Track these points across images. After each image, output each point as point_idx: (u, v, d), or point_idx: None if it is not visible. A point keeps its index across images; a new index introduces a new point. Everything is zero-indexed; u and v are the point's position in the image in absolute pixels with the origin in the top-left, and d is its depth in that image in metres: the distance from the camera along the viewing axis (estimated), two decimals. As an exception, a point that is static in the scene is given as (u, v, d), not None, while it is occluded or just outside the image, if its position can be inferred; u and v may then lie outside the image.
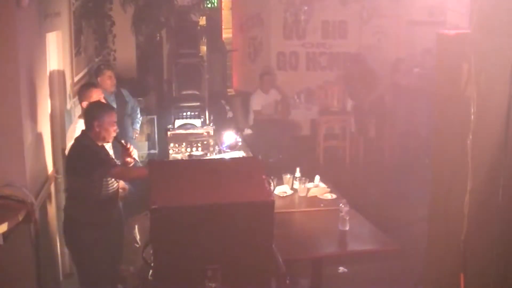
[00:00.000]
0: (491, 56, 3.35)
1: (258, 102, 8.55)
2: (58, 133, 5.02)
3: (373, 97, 8.63)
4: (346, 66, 9.34)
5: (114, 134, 4.02)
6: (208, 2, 10.13)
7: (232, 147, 5.49)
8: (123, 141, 4.19)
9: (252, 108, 8.58)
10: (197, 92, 6.74)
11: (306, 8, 9.23)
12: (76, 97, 5.57)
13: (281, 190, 4.81)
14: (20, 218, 3.51)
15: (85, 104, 4.62)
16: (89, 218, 3.92)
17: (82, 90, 4.89)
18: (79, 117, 4.59)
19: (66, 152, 4.30)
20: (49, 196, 4.52)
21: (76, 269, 4.22)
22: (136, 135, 6.83)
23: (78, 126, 4.38)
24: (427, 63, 7.95)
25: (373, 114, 8.60)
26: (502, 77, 3.20)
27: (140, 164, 4.35)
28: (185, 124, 5.81)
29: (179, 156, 5.41)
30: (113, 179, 3.98)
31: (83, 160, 3.86)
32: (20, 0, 3.56)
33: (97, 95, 4.73)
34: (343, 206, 4.07)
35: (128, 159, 4.12)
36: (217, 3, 10.74)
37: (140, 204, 4.50)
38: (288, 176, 4.92)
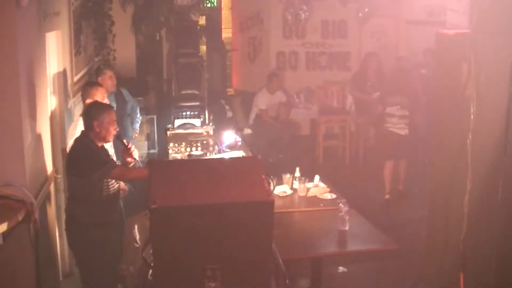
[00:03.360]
0: (491, 56, 3.35)
1: (263, 101, 8.47)
2: (58, 132, 5.02)
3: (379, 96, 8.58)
4: (356, 65, 9.29)
5: (114, 133, 4.02)
6: (208, 1, 10.12)
7: (232, 147, 5.49)
8: (125, 141, 4.19)
9: (258, 107, 8.49)
10: (196, 92, 6.71)
11: (305, 7, 9.21)
12: (76, 97, 5.58)
13: (281, 190, 4.80)
14: (20, 218, 3.50)
15: (88, 101, 4.62)
16: (90, 219, 3.92)
17: (86, 88, 4.89)
18: (81, 115, 4.59)
19: (68, 150, 4.30)
20: (48, 196, 4.52)
21: (78, 269, 4.23)
22: (136, 135, 6.84)
23: (79, 124, 4.37)
24: (431, 63, 7.88)
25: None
26: (502, 77, 3.21)
27: (140, 164, 4.34)
28: (184, 123, 5.80)
29: (178, 156, 5.40)
30: (113, 180, 3.98)
31: (83, 161, 3.86)
32: (20, 0, 3.56)
33: (101, 94, 4.74)
34: (342, 205, 4.07)
35: (129, 159, 4.12)
36: (217, 3, 10.72)
37: (140, 204, 4.50)
38: (288, 176, 4.91)
